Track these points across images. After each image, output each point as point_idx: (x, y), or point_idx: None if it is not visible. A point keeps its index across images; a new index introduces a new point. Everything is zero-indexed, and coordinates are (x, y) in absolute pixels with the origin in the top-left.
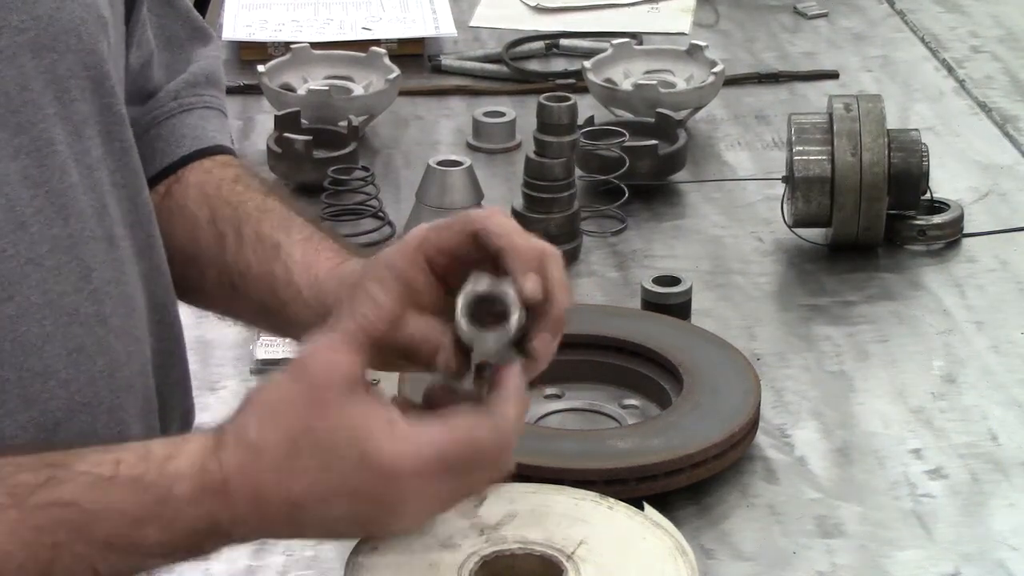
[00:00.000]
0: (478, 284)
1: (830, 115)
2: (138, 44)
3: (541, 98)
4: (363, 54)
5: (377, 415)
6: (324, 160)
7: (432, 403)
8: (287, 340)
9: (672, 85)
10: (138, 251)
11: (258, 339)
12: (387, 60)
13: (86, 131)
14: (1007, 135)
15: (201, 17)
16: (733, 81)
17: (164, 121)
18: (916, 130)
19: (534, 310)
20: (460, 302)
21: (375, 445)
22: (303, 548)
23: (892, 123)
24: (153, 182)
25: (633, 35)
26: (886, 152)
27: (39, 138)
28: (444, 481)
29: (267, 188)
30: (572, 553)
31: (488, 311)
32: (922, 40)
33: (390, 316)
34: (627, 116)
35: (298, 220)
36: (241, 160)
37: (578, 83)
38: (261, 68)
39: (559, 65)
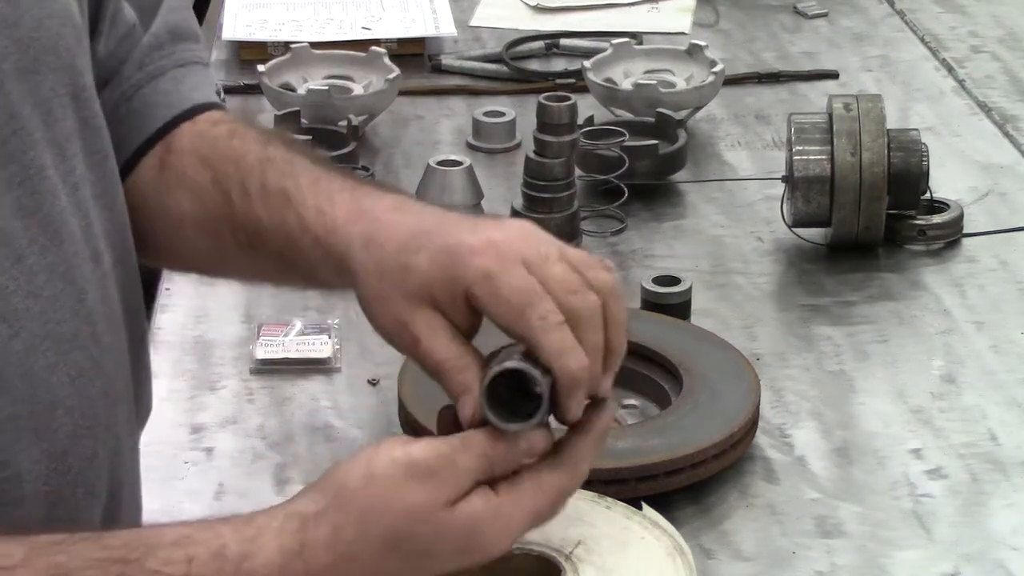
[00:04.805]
0: (506, 361)
1: (830, 115)
2: (111, 26)
3: (541, 98)
4: (363, 54)
5: (479, 505)
6: None
7: (445, 425)
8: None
9: (672, 85)
10: (117, 259)
11: (258, 339)
12: (387, 60)
13: (69, 149)
14: (1007, 135)
15: None
16: (733, 81)
17: (134, 95)
18: (916, 130)
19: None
20: (485, 384)
21: (480, 536)
22: None
23: (892, 123)
24: (136, 159)
25: (633, 35)
26: (886, 152)
27: (30, 166)
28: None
29: (266, 137)
30: (570, 553)
31: (517, 381)
32: (922, 40)
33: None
34: (627, 116)
35: (302, 164)
36: (231, 112)
37: (578, 83)
38: (261, 68)
39: (559, 65)
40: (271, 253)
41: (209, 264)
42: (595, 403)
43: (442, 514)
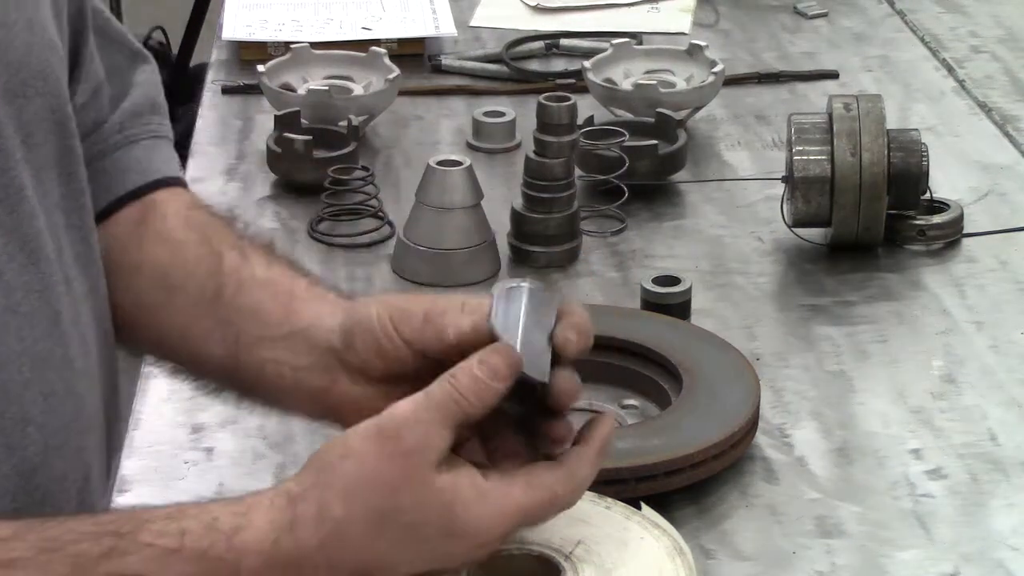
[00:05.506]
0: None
1: (830, 115)
2: (85, 77)
3: (541, 98)
4: (363, 54)
5: (464, 483)
6: (324, 160)
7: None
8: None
9: (672, 85)
10: (89, 288)
11: None
12: (387, 60)
13: (46, 174)
14: (1007, 135)
15: (134, 39)
16: (733, 81)
17: (110, 154)
18: (916, 130)
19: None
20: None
21: (463, 515)
22: None
23: (892, 123)
24: (105, 215)
25: (633, 35)
26: (886, 152)
27: (10, 185)
28: (516, 530)
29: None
30: (570, 553)
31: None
32: (922, 40)
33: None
34: (627, 116)
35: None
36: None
37: (578, 83)
38: (261, 68)
39: (559, 65)
40: (242, 306)
41: (147, 314)
42: (595, 419)
43: (421, 478)
